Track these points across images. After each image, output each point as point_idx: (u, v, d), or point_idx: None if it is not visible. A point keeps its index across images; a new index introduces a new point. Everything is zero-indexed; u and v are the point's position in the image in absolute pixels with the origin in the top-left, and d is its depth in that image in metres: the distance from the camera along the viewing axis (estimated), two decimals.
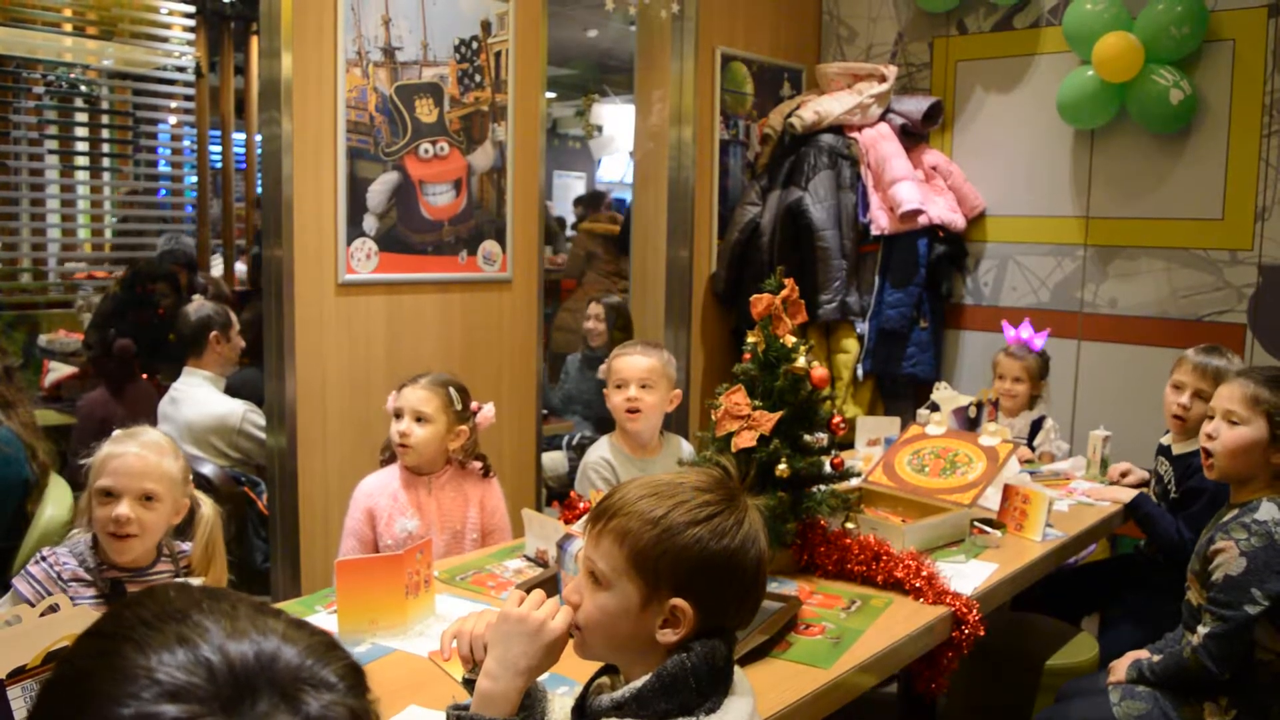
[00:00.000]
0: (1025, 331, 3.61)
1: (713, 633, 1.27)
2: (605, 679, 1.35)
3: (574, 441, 4.57)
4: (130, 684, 0.61)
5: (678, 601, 1.25)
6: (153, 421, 3.70)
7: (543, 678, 1.52)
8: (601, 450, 2.89)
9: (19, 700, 1.29)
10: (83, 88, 5.25)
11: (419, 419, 2.55)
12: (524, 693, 1.31)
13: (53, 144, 5.14)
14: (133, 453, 1.92)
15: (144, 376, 4.08)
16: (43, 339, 4.70)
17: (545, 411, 4.17)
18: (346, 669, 0.67)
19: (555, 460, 4.47)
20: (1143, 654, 2.45)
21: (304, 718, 0.63)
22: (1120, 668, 2.43)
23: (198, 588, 0.72)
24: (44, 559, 1.92)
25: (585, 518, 1.38)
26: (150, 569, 2.00)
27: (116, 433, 1.99)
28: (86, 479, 1.95)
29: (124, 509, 1.88)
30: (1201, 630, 2.24)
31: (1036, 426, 3.57)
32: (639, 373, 2.80)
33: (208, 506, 2.09)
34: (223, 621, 0.66)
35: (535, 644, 1.28)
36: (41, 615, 1.35)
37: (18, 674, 1.29)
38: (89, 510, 1.94)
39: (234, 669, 0.62)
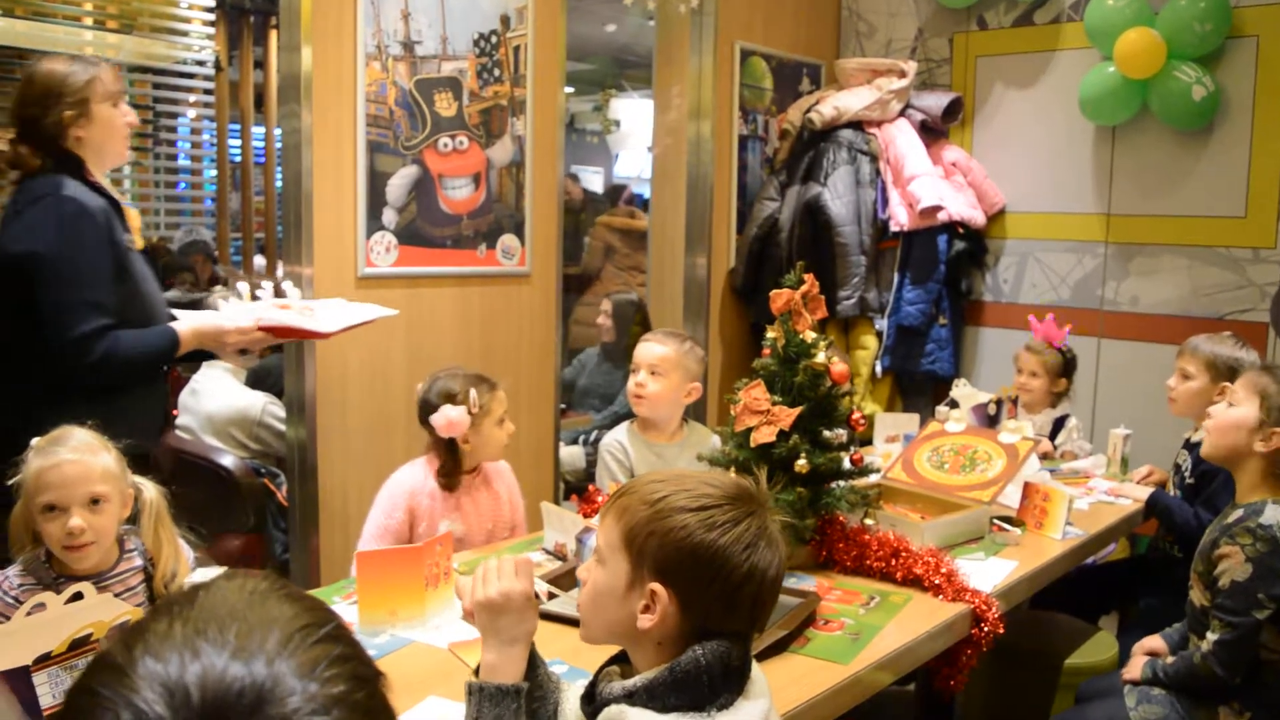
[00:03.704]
0: (1050, 327, 3.59)
1: (710, 635, 1.25)
2: (615, 668, 1.36)
3: (591, 437, 4.57)
4: (116, 694, 0.59)
5: (655, 586, 1.25)
6: (172, 413, 3.73)
7: (562, 671, 1.52)
8: (618, 434, 2.90)
9: (44, 686, 1.30)
10: None
11: (500, 422, 2.58)
12: (528, 658, 1.37)
13: None
14: (68, 460, 1.80)
15: (163, 368, 4.09)
16: None
17: (563, 406, 4.18)
18: None
19: (573, 455, 4.47)
20: (1157, 643, 2.44)
21: None
22: (1135, 665, 2.42)
23: (267, 587, 0.67)
24: None
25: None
26: (112, 572, 1.88)
27: (36, 442, 1.84)
28: (16, 497, 1.80)
29: (76, 520, 1.77)
30: (1211, 637, 2.24)
31: (1059, 425, 3.55)
32: (650, 359, 2.81)
33: (150, 489, 1.97)
34: (240, 639, 0.62)
35: (510, 613, 1.34)
36: (66, 603, 1.36)
37: (43, 660, 1.30)
38: (31, 527, 1.81)
39: (207, 703, 0.58)
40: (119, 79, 2.44)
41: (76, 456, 1.81)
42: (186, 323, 2.45)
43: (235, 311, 2.53)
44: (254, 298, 2.62)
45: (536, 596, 1.39)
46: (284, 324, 2.52)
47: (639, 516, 1.27)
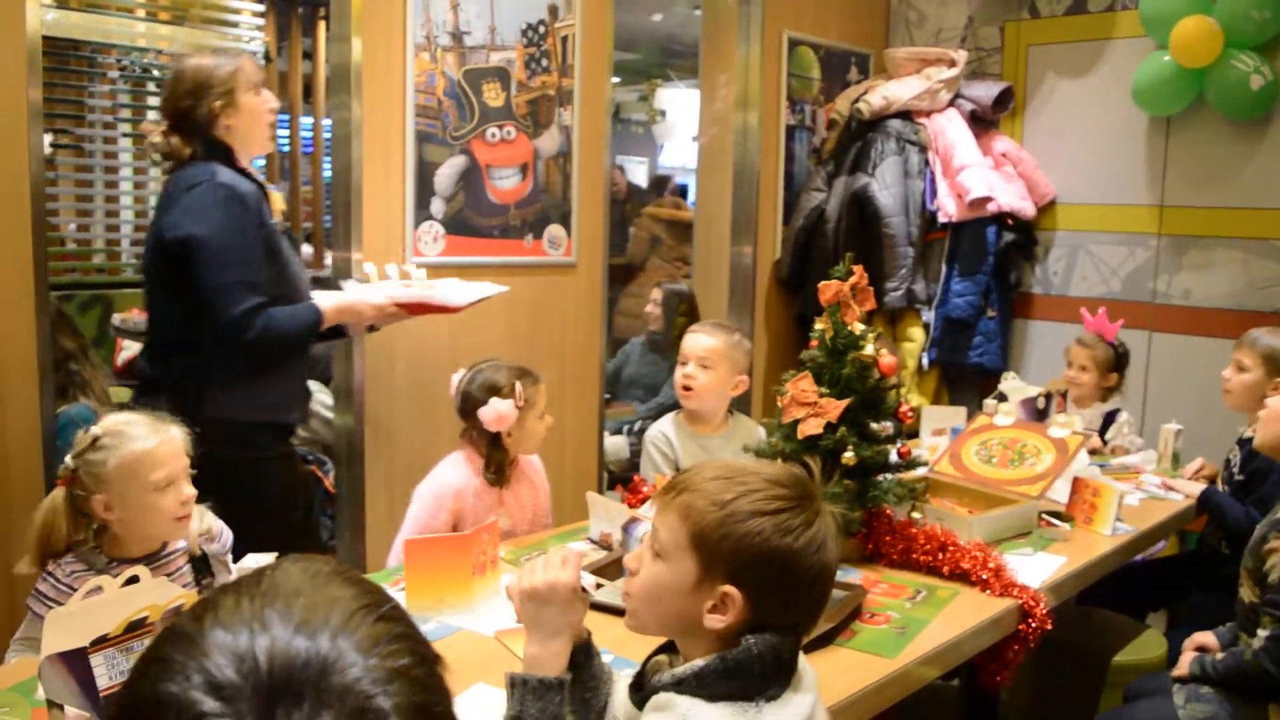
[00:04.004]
0: (1103, 321, 3.54)
1: (768, 629, 1.26)
2: (663, 657, 1.36)
3: (635, 427, 4.57)
4: (187, 659, 0.61)
5: (729, 588, 1.24)
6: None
7: (607, 660, 1.53)
8: (663, 425, 2.90)
9: (101, 668, 1.32)
10: (155, 72, 5.33)
11: (541, 415, 2.58)
12: (570, 651, 1.36)
13: (126, 127, 5.23)
14: (159, 439, 1.87)
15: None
16: (116, 318, 4.80)
17: (608, 396, 4.18)
18: (407, 705, 0.63)
19: (617, 445, 4.48)
20: (1208, 638, 2.41)
21: None
22: (1185, 662, 2.38)
23: (329, 570, 0.70)
24: (50, 574, 1.85)
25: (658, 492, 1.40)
26: (163, 554, 1.93)
27: (102, 428, 1.87)
28: (93, 485, 1.82)
29: (190, 489, 1.88)
30: (1262, 634, 2.20)
31: (1109, 419, 3.50)
32: (698, 351, 2.80)
33: None
34: (304, 614, 0.64)
35: (554, 604, 1.34)
36: (123, 585, 1.38)
37: (100, 642, 1.32)
38: (73, 513, 1.84)
39: (275, 672, 0.61)
40: (259, 69, 2.56)
41: (166, 434, 1.88)
42: (328, 300, 2.58)
43: (365, 290, 2.71)
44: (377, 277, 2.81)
45: (584, 590, 1.39)
46: (417, 299, 2.68)
47: (709, 519, 1.25)
